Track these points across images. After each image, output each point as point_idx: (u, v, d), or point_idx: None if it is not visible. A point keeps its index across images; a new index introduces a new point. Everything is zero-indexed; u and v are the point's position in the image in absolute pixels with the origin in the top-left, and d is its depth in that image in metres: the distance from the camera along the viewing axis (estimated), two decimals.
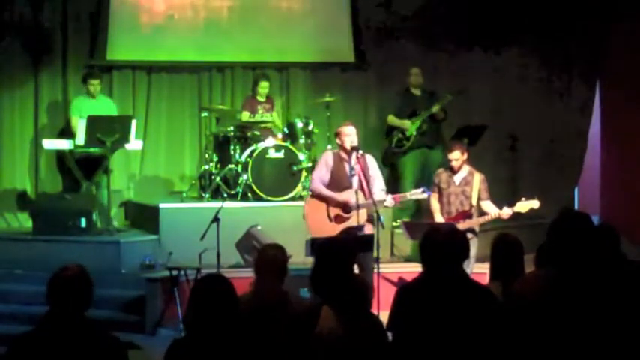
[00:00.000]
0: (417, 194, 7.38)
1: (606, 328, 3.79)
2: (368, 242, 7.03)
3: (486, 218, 7.63)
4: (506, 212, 7.50)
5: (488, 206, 7.66)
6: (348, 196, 7.17)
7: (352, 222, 7.15)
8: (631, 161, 10.36)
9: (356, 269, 6.84)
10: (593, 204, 10.68)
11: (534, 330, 3.82)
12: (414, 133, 9.39)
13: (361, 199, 7.12)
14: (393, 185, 9.70)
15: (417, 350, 3.94)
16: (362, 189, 7.21)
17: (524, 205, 7.47)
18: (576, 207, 10.61)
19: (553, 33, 10.54)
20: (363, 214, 7.15)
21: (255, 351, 3.58)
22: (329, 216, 7.25)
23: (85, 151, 8.92)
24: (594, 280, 3.87)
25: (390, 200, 7.11)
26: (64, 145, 9.07)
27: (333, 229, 7.15)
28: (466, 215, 7.65)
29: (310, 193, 7.44)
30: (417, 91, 9.61)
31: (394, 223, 9.09)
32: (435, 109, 9.37)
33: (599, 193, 10.93)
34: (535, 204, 7.46)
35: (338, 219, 7.24)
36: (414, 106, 9.50)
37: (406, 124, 9.44)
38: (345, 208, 7.18)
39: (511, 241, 4.82)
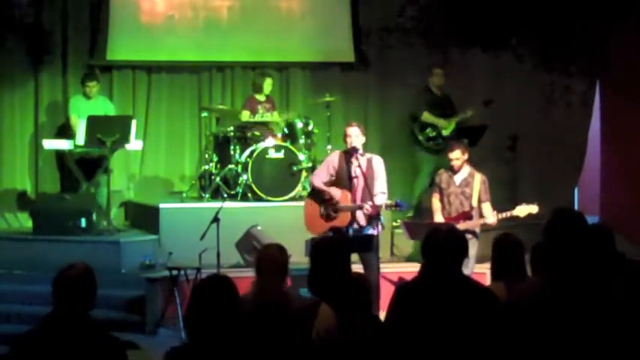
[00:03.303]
0: (391, 206, 7.34)
1: (607, 329, 3.79)
2: (367, 242, 7.06)
3: (483, 220, 7.61)
4: (490, 220, 7.53)
5: (486, 209, 7.65)
6: (338, 192, 7.28)
7: (338, 221, 7.25)
8: (631, 161, 10.36)
9: (361, 269, 6.97)
10: (593, 204, 10.68)
11: (535, 332, 3.82)
12: (449, 134, 9.41)
13: (348, 201, 7.23)
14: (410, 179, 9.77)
15: (415, 350, 3.93)
16: (358, 190, 7.28)
17: (524, 210, 7.46)
18: (576, 207, 10.58)
19: (553, 33, 10.53)
20: (347, 215, 7.24)
21: (256, 351, 3.57)
22: (320, 213, 7.38)
23: (84, 151, 8.92)
24: (593, 281, 3.87)
25: (367, 207, 7.10)
26: (63, 145, 9.07)
27: (322, 226, 7.33)
28: (466, 216, 7.64)
29: (310, 188, 7.64)
30: (437, 92, 9.65)
31: (394, 223, 9.09)
32: (470, 114, 9.41)
33: (599, 193, 10.92)
34: (534, 209, 7.45)
35: (327, 217, 7.35)
36: (441, 107, 9.54)
37: (443, 123, 9.47)
38: (331, 202, 7.28)
39: (512, 242, 4.82)
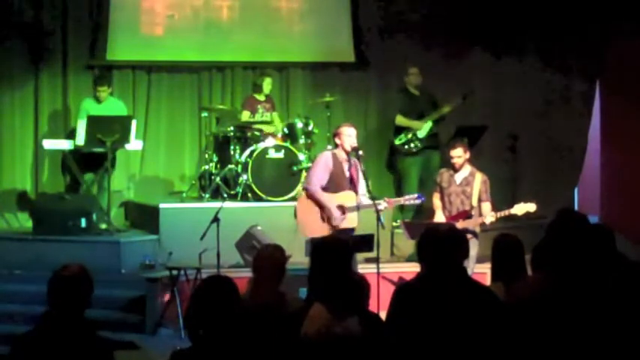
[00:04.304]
0: (411, 199, 7.43)
1: (607, 330, 3.79)
2: (368, 242, 7.05)
3: (482, 220, 7.62)
4: (489, 220, 7.54)
5: (485, 209, 7.66)
6: (343, 200, 7.20)
7: (346, 223, 7.19)
8: (631, 161, 10.36)
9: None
10: (593, 204, 10.68)
11: (535, 332, 3.82)
12: (426, 134, 9.37)
13: (354, 201, 7.21)
14: (397, 185, 9.74)
15: (416, 350, 3.93)
16: (355, 190, 7.30)
17: (521, 208, 7.48)
18: (576, 207, 10.60)
19: (553, 33, 10.53)
20: (354, 216, 7.21)
21: (252, 352, 3.57)
22: (322, 216, 7.23)
23: (85, 151, 8.93)
24: (593, 281, 3.87)
25: (384, 204, 7.15)
26: (63, 145, 9.08)
27: (325, 230, 7.15)
28: (465, 215, 7.64)
29: (304, 191, 7.42)
30: (416, 91, 9.59)
31: (394, 223, 9.10)
32: (447, 110, 9.36)
33: (599, 193, 10.92)
34: (532, 207, 7.48)
35: (330, 220, 7.22)
36: (418, 107, 9.48)
37: (418, 125, 9.38)
38: (330, 217, 7.17)
39: (512, 242, 4.81)
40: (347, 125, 7.41)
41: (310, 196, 7.27)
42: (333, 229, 7.16)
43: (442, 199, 7.83)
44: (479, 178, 7.74)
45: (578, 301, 3.82)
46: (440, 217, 7.77)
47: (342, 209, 7.21)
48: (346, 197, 7.24)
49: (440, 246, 4.01)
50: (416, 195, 7.53)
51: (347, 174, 7.30)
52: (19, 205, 9.77)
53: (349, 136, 7.28)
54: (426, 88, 9.66)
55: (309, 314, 4.11)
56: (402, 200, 7.59)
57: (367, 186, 7.35)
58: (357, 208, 7.21)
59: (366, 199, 7.25)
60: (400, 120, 9.44)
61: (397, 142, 9.48)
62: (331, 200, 7.19)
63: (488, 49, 10.65)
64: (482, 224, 7.64)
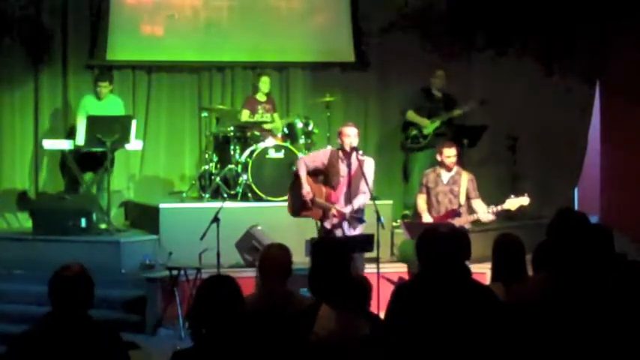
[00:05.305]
0: (355, 219, 7.28)
1: (607, 329, 3.79)
2: (368, 242, 7.06)
3: (473, 217, 7.62)
4: (486, 217, 7.52)
5: (479, 205, 7.67)
6: (317, 193, 7.37)
7: (311, 213, 7.41)
8: (631, 161, 10.36)
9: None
10: (593, 204, 10.67)
11: (535, 332, 3.82)
12: (432, 132, 9.43)
13: (322, 197, 7.36)
14: (405, 180, 9.83)
15: (415, 350, 3.93)
16: (341, 190, 7.33)
17: (514, 202, 7.45)
18: (576, 207, 10.59)
19: (553, 33, 10.53)
20: (319, 211, 7.37)
21: (261, 352, 3.56)
22: (301, 198, 7.45)
23: (85, 150, 8.93)
24: (593, 281, 3.87)
25: (333, 211, 7.26)
26: (63, 145, 9.08)
27: (298, 211, 7.52)
28: (454, 214, 7.65)
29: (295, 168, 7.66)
30: (438, 93, 9.68)
31: (394, 223, 9.10)
32: (457, 113, 9.47)
33: (599, 193, 10.92)
34: (525, 200, 7.45)
35: (304, 206, 7.45)
36: (434, 107, 9.56)
37: (425, 122, 9.50)
38: (301, 194, 7.40)
39: (512, 242, 4.80)
40: (347, 125, 7.46)
41: (295, 174, 7.56)
42: (303, 211, 7.44)
43: (429, 200, 7.87)
44: (465, 176, 7.80)
45: (579, 301, 3.82)
46: (427, 220, 7.79)
47: (312, 200, 7.37)
48: (318, 192, 7.40)
49: (437, 246, 4.00)
50: (359, 216, 7.32)
51: (342, 173, 7.32)
52: (19, 205, 9.76)
53: (348, 136, 7.33)
54: (449, 92, 9.71)
55: (319, 315, 4.12)
56: (347, 214, 7.26)
57: (367, 185, 7.33)
58: (320, 204, 7.32)
59: (361, 199, 7.26)
60: (411, 115, 9.60)
61: (402, 136, 9.65)
62: (308, 182, 7.41)
63: (488, 49, 10.64)
64: (477, 221, 7.65)
